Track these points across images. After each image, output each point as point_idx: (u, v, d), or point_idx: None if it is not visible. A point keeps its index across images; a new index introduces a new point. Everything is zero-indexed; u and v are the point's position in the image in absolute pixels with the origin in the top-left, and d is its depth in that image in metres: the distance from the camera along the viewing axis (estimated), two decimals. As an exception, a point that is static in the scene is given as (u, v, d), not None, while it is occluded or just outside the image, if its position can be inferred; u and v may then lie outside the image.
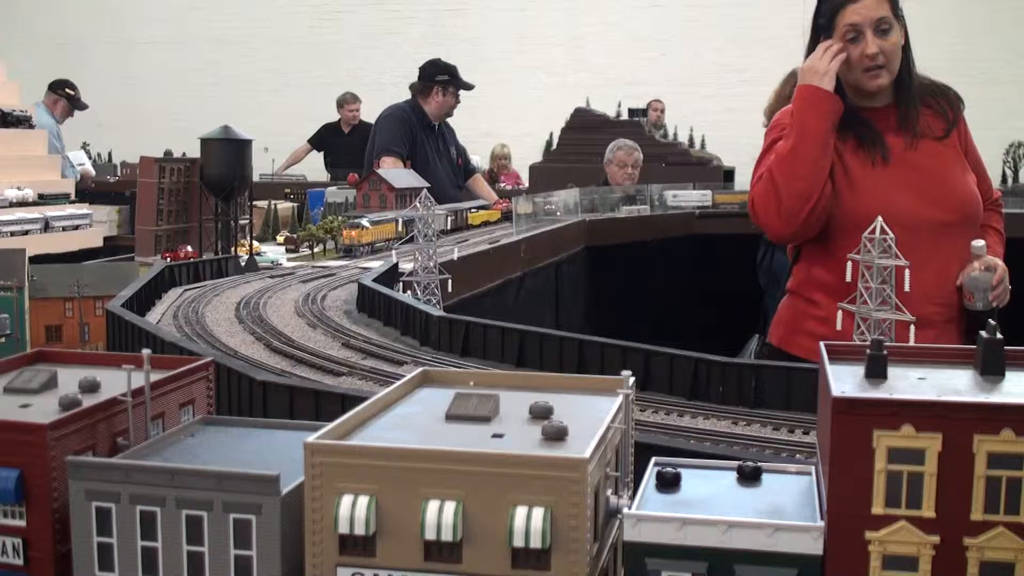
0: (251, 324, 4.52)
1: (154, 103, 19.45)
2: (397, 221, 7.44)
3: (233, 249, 6.45)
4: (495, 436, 1.77)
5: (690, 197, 10.88)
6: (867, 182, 4.18)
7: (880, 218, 2.99)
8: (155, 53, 20.45)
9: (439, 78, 10.14)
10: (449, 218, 8.24)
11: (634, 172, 11.28)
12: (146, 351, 1.95)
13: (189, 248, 6.45)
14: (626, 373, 1.84)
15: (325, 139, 14.73)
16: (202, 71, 20.00)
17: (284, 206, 9.31)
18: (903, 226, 3.35)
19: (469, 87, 10.31)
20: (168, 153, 7.94)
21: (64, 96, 12.42)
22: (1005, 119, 14.18)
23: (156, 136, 13.45)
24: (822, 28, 4.23)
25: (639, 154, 11.39)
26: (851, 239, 3.25)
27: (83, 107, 12.71)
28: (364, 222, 7.14)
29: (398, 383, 2.04)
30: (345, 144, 13.91)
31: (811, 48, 4.27)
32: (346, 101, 14.52)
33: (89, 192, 10.85)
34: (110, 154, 15.87)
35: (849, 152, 4.23)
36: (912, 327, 3.07)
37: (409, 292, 4.99)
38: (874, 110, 4.29)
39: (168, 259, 6.07)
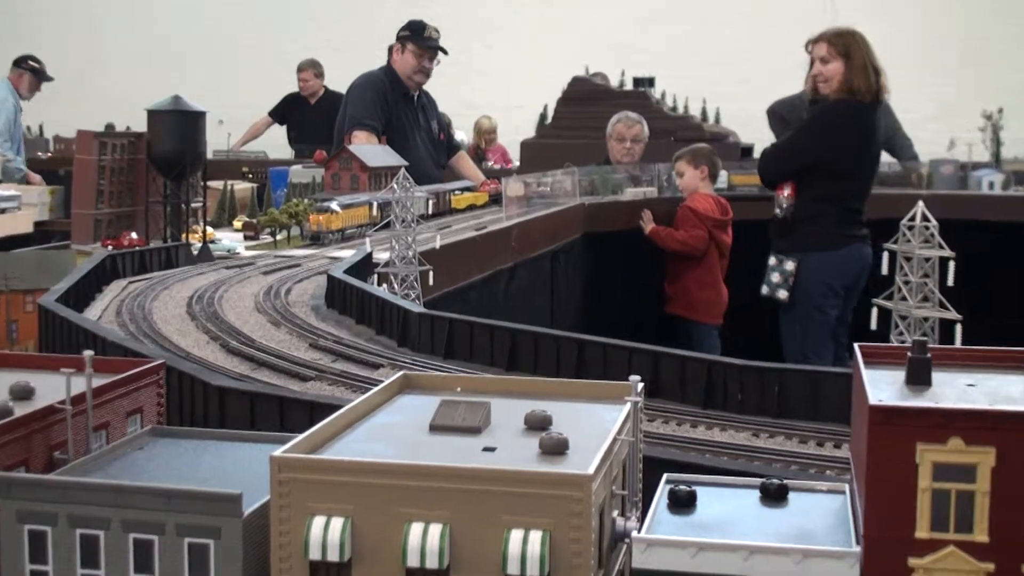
0: (205, 322, 4.53)
1: (105, 75, 19.39)
2: (371, 205, 7.45)
3: (184, 236, 6.44)
4: (486, 449, 1.78)
5: (703, 178, 10.87)
6: None
7: (921, 203, 3.00)
8: (109, 21, 20.39)
9: (401, 34, 10.14)
10: (430, 201, 8.22)
11: (634, 147, 11.20)
12: (87, 353, 1.95)
13: (134, 235, 6.44)
14: (634, 378, 1.85)
15: (288, 111, 14.63)
16: (167, 38, 19.90)
17: (242, 187, 9.31)
18: None
19: (431, 44, 10.16)
20: (110, 127, 7.91)
21: (29, 69, 12.39)
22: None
23: (103, 111, 13.41)
24: None
25: (642, 127, 11.31)
26: None
27: (49, 79, 12.65)
28: (334, 206, 7.14)
29: (375, 389, 2.04)
30: (311, 116, 13.86)
31: None
32: (301, 68, 14.28)
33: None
34: (40, 127, 15.78)
35: None
36: None
37: (385, 285, 5.00)
38: None
39: (110, 247, 6.06)
